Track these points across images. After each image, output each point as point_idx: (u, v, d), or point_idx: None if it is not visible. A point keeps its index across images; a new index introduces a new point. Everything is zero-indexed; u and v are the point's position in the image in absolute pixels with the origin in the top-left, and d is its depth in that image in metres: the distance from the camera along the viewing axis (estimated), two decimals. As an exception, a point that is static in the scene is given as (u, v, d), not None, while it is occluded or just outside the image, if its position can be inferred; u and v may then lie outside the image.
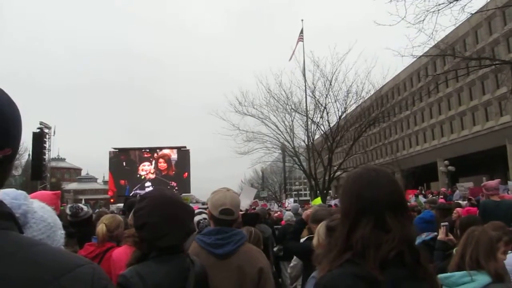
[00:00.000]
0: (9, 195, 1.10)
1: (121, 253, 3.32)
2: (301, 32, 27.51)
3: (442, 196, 17.35)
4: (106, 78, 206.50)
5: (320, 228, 3.12)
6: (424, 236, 4.48)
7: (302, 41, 26.87)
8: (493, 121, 37.68)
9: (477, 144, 38.43)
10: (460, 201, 10.74)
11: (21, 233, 0.83)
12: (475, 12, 13.03)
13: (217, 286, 2.26)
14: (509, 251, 3.13)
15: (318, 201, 14.70)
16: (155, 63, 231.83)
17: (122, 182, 32.89)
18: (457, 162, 35.71)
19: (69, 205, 4.49)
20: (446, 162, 34.12)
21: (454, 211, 6.52)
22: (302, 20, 28.39)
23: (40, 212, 1.22)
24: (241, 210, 7.36)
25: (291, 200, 21.69)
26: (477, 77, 36.32)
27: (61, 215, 3.62)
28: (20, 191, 1.18)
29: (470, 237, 2.46)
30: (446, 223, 4.07)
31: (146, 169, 32.86)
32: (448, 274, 2.29)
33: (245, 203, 8.47)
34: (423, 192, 24.85)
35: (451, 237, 3.80)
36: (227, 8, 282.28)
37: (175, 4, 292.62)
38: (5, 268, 0.70)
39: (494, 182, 6.77)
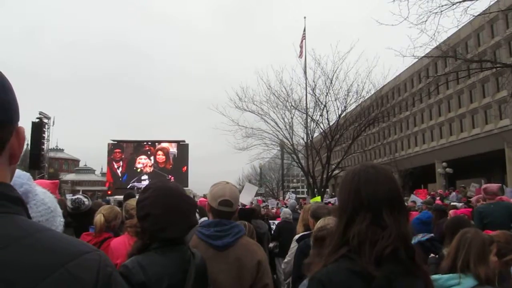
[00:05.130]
0: None
1: (120, 242, 3.35)
2: (304, 30, 27.52)
3: (438, 198, 17.38)
4: (106, 72, 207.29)
5: (319, 225, 3.15)
6: (420, 237, 4.48)
7: (305, 38, 26.90)
8: (492, 124, 37.64)
9: (476, 147, 38.42)
10: (456, 203, 10.76)
11: (29, 218, 0.83)
12: (478, 15, 12.99)
13: (215, 278, 2.26)
14: None
15: (317, 199, 14.74)
16: (149, 59, 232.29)
17: (120, 174, 32.89)
18: (455, 164, 35.78)
19: (70, 198, 4.42)
20: (444, 164, 34.18)
21: (450, 213, 6.51)
22: (304, 18, 28.43)
23: (41, 195, 1.22)
24: (244, 205, 7.43)
25: (293, 195, 21.19)
26: (478, 79, 36.26)
27: (60, 205, 3.59)
28: (24, 172, 1.18)
29: (463, 239, 2.45)
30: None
31: (143, 162, 32.84)
32: (436, 276, 2.29)
33: (246, 199, 8.55)
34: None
35: None
36: (221, 5, 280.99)
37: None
38: (11, 253, 0.70)
39: (495, 187, 6.46)
